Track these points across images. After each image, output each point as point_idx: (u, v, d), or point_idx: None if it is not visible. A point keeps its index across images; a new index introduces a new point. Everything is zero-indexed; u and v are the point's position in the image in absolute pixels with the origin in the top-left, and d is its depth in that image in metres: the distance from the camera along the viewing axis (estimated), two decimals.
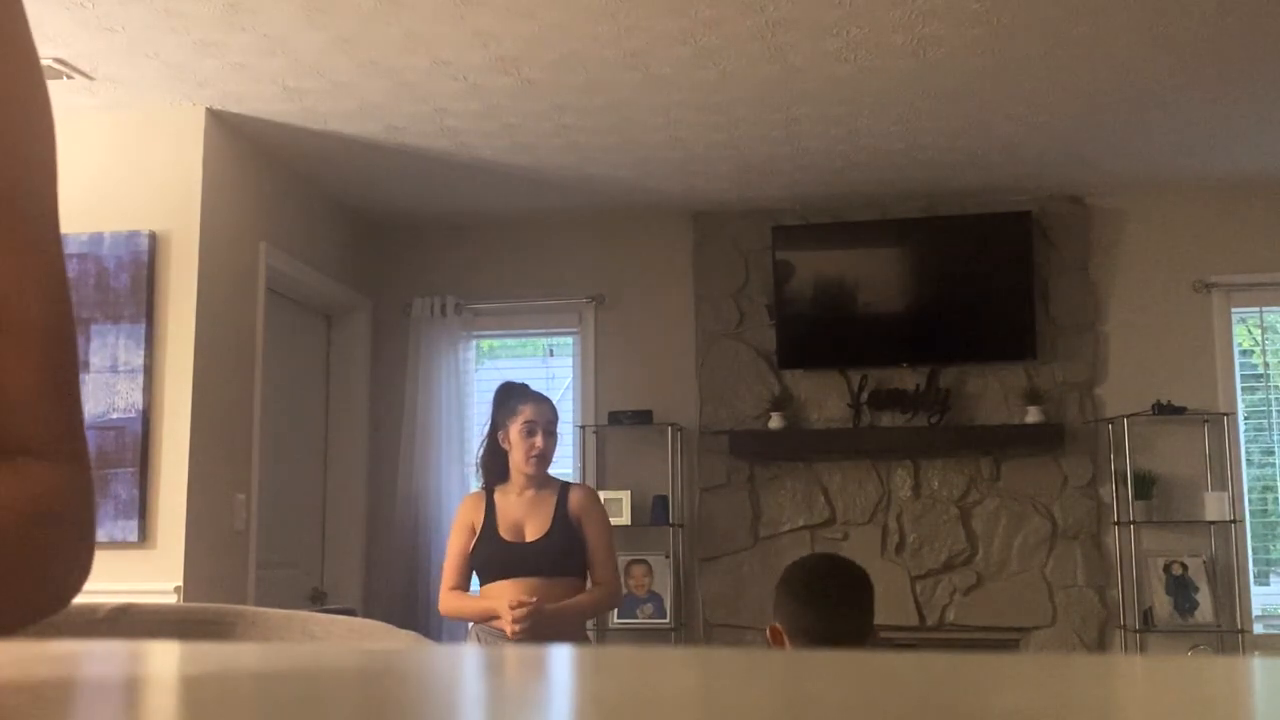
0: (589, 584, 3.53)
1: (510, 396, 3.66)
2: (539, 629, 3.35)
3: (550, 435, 3.56)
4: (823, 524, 5.33)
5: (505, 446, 3.57)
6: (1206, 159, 4.94)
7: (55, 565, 0.64)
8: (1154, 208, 5.34)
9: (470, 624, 3.60)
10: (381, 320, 5.77)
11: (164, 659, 0.53)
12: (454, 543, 3.60)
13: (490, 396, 3.82)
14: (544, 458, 3.54)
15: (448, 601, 3.58)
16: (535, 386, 3.78)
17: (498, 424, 3.61)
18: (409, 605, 5.36)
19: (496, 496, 3.59)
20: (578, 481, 3.83)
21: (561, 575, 3.48)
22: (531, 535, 3.51)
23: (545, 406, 3.60)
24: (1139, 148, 4.80)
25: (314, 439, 5.49)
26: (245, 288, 4.56)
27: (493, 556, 3.50)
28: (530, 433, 3.52)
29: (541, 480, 3.58)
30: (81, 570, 0.65)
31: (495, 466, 3.60)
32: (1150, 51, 3.86)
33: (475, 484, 5.66)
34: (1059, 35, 3.73)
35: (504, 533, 3.51)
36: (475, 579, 3.63)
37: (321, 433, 5.55)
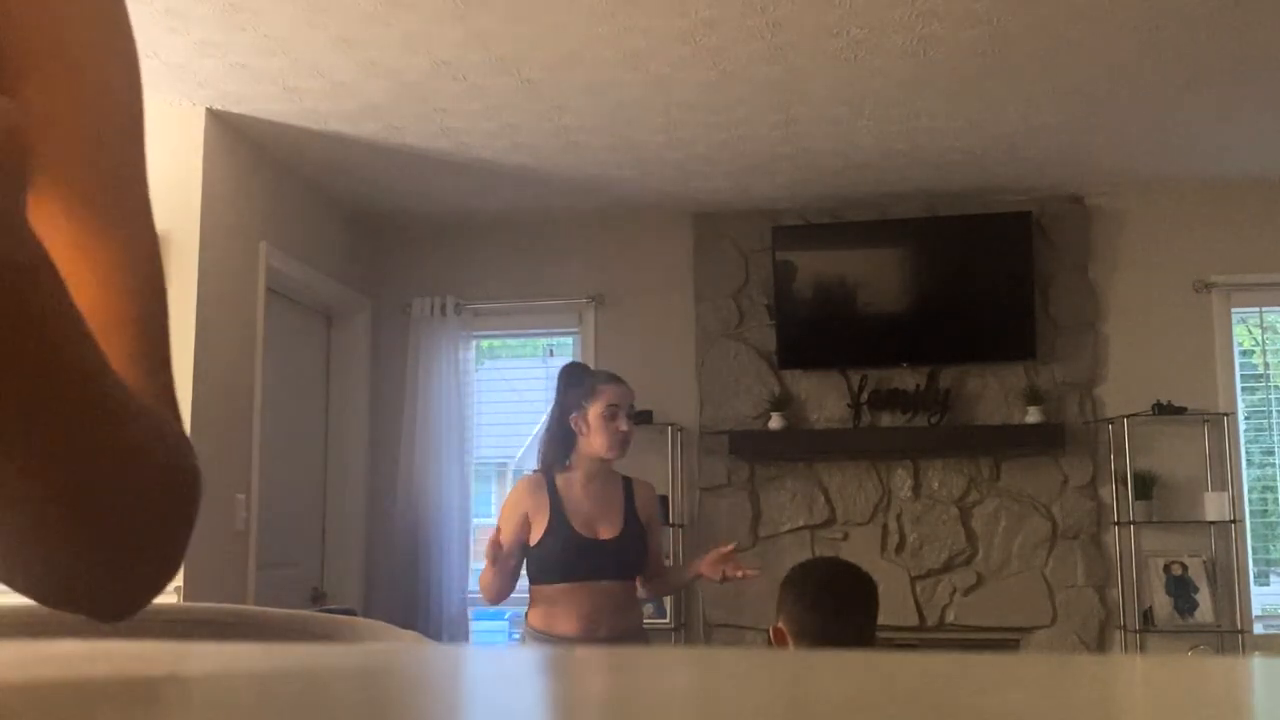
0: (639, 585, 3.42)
1: (586, 377, 3.41)
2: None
3: (631, 419, 3.34)
4: (823, 524, 5.33)
5: (578, 430, 3.31)
6: (1206, 159, 4.94)
7: (187, 520, 0.59)
8: (1154, 208, 5.34)
9: (524, 626, 3.35)
10: (381, 320, 5.77)
11: (164, 659, 0.53)
12: (501, 525, 3.27)
13: (490, 399, 3.74)
14: (628, 442, 3.32)
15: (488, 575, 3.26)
16: (535, 386, 3.70)
17: (570, 406, 3.34)
18: (409, 605, 5.35)
19: (559, 484, 3.31)
20: (640, 478, 3.53)
21: (630, 578, 3.30)
22: (606, 534, 3.27)
23: (626, 389, 3.36)
24: (1139, 148, 4.80)
25: (314, 439, 5.49)
26: (245, 288, 4.56)
27: (568, 552, 3.22)
28: (613, 416, 3.28)
29: (606, 471, 3.36)
30: (187, 541, 0.60)
31: (559, 451, 3.35)
32: (1150, 51, 3.86)
33: (474, 480, 5.69)
34: (1059, 35, 3.73)
35: (578, 528, 3.25)
36: (525, 574, 3.33)
37: (321, 433, 5.55)
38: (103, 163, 0.64)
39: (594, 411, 3.30)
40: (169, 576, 0.59)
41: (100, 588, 0.56)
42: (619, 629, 3.22)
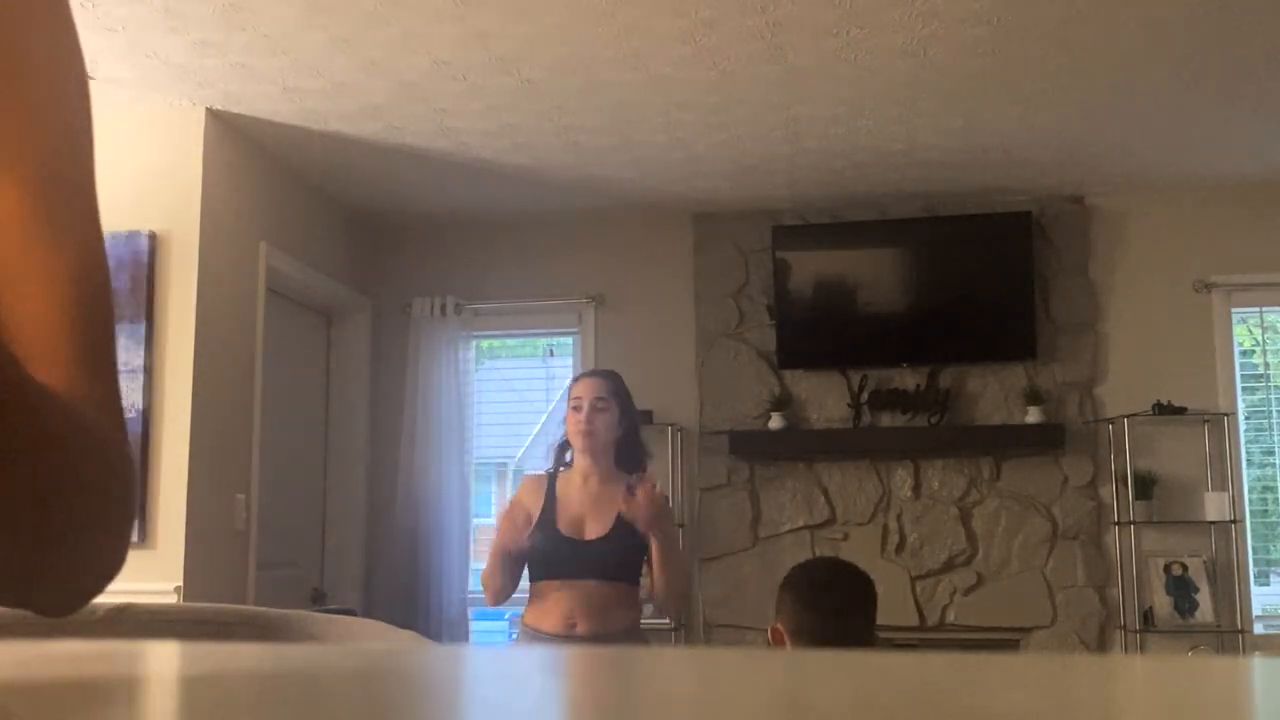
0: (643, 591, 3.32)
1: (572, 380, 3.54)
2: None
3: (600, 410, 3.32)
4: (823, 524, 5.33)
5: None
6: (1206, 159, 4.94)
7: (125, 523, 0.60)
8: (1154, 208, 5.34)
9: (520, 626, 3.36)
10: (381, 320, 5.76)
11: (164, 659, 0.53)
12: (501, 524, 3.34)
13: (490, 399, 3.72)
14: (591, 432, 3.30)
15: (484, 574, 3.36)
16: (535, 386, 3.68)
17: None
18: (409, 605, 5.35)
19: (559, 484, 3.36)
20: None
21: (619, 580, 3.24)
22: (592, 534, 3.26)
23: (593, 380, 3.39)
24: (1139, 148, 4.80)
25: (314, 439, 5.49)
26: (245, 288, 4.56)
27: (549, 551, 3.25)
28: (576, 408, 3.33)
29: (606, 471, 3.34)
30: (127, 542, 0.62)
31: (562, 450, 3.41)
32: (1150, 51, 3.86)
33: (474, 480, 5.70)
34: (1059, 35, 3.73)
35: (563, 526, 3.27)
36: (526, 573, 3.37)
37: (321, 433, 5.55)
38: (56, 169, 0.65)
39: (567, 409, 3.39)
40: (108, 577, 0.61)
41: (38, 588, 0.57)
42: (599, 629, 3.21)
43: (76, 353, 0.62)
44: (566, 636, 3.19)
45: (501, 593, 3.33)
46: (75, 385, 0.61)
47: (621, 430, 3.36)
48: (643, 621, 3.47)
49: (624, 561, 3.27)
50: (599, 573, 3.22)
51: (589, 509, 3.31)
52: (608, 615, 3.23)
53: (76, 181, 0.67)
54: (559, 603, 3.22)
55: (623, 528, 3.26)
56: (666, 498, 3.46)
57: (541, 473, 3.45)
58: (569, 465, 3.39)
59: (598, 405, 3.33)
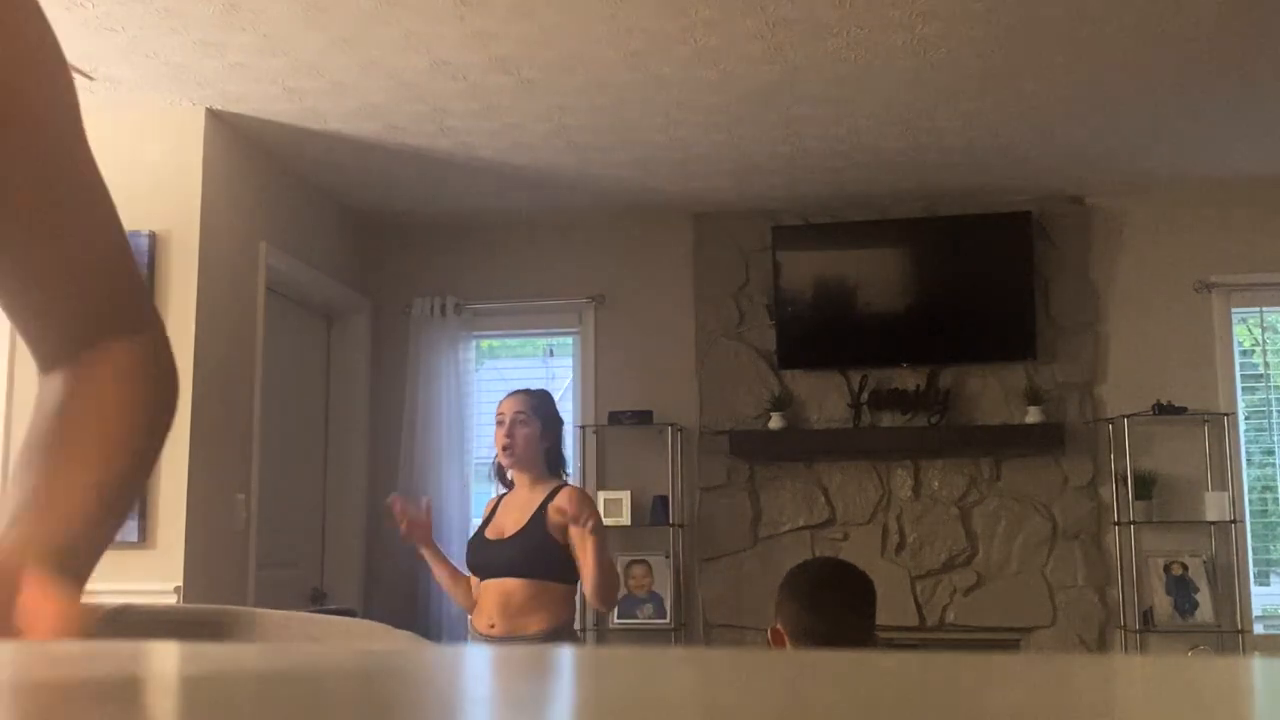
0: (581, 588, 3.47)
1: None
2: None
3: (522, 424, 3.53)
4: (823, 524, 5.33)
5: None
6: (1206, 159, 4.94)
7: (170, 413, 0.91)
8: (1154, 208, 5.34)
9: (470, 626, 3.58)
10: (381, 320, 5.76)
11: (164, 659, 0.53)
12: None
13: (490, 399, 3.83)
14: (510, 448, 3.52)
15: None
16: (535, 386, 3.77)
17: None
18: (409, 605, 5.35)
19: (504, 499, 3.62)
20: (573, 485, 3.69)
21: (536, 577, 3.36)
22: (508, 533, 3.46)
23: (514, 398, 3.60)
24: (1139, 148, 4.80)
25: (314, 439, 5.49)
26: (245, 288, 4.56)
27: (472, 555, 3.55)
28: (500, 423, 3.56)
29: (537, 478, 3.55)
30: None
31: (504, 472, 3.67)
32: (1150, 52, 3.86)
33: (474, 480, 5.70)
34: (1059, 35, 3.73)
35: (488, 532, 3.52)
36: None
37: (321, 433, 5.55)
38: (69, 185, 0.85)
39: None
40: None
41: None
42: (514, 630, 3.33)
43: (138, 281, 0.92)
44: (487, 636, 3.36)
45: (454, 597, 3.66)
46: (136, 291, 0.90)
47: (546, 443, 3.55)
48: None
49: (537, 557, 3.38)
50: (511, 569, 3.38)
51: (514, 514, 3.49)
52: (526, 616, 3.36)
53: (86, 181, 0.85)
54: (484, 603, 3.43)
55: (534, 527, 3.41)
56: (589, 499, 3.61)
57: (501, 493, 3.72)
58: (512, 484, 3.61)
59: (518, 419, 3.54)
